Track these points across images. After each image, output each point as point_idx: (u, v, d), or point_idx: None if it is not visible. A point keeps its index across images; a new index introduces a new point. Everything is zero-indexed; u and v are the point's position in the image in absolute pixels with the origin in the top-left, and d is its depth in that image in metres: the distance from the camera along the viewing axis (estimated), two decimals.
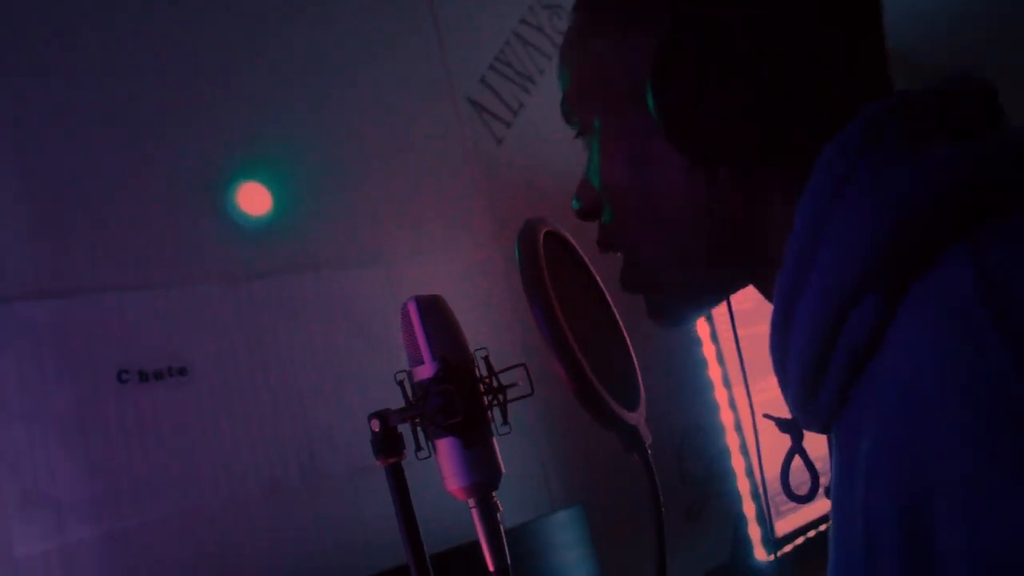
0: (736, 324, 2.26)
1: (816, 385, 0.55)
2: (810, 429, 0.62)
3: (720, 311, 2.22)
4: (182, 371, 1.76)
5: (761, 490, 2.23)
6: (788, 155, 0.60)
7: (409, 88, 2.34)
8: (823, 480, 0.71)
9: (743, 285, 0.71)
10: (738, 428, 2.16)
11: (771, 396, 2.30)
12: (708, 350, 2.20)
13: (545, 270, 0.72)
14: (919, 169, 0.51)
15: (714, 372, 2.19)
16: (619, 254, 0.73)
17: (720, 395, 2.19)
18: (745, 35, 0.58)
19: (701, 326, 2.20)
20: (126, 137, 1.84)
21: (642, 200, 0.67)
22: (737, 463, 2.17)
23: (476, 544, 0.80)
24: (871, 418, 0.49)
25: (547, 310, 0.70)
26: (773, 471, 2.32)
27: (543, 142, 2.56)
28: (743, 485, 2.17)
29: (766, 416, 0.76)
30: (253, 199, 1.93)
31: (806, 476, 0.74)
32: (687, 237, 0.66)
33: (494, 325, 2.12)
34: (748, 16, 0.58)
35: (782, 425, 0.71)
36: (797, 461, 0.76)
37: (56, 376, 1.64)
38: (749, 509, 2.17)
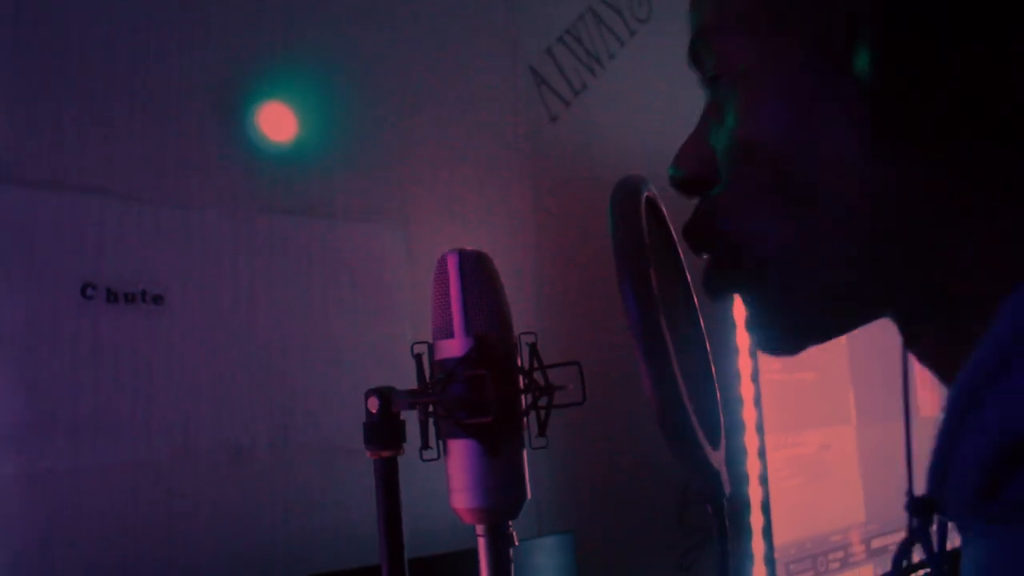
0: (778, 366, 2.04)
1: (1006, 476, 0.40)
2: (947, 516, 0.47)
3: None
4: (157, 299, 1.54)
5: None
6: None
7: (470, 42, 2.15)
8: None
9: (879, 317, 0.53)
10: (763, 481, 1.95)
11: (801, 452, 2.09)
12: (746, 389, 2.00)
13: (649, 245, 0.53)
14: None
15: (748, 415, 1.99)
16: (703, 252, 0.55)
17: (750, 441, 1.99)
18: None
19: (743, 360, 2.00)
20: (146, 22, 1.63)
21: (793, 171, 0.48)
22: (755, 520, 1.96)
23: (465, 554, 0.70)
24: None
25: (645, 302, 0.51)
26: (790, 536, 2.12)
27: (599, 130, 2.40)
28: (757, 546, 1.97)
29: (910, 499, 0.56)
30: (277, 123, 1.71)
31: None
32: (852, 232, 0.48)
33: (516, 313, 1.94)
34: None
35: (914, 504, 0.53)
36: None
37: (10, 275, 1.41)
38: (760, 574, 1.97)
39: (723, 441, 0.65)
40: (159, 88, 1.62)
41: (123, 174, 1.56)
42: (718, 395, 0.67)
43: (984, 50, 0.41)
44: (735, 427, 1.98)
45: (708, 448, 0.56)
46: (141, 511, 1.51)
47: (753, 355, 1.98)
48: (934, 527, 0.53)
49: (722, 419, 0.66)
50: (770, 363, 2.02)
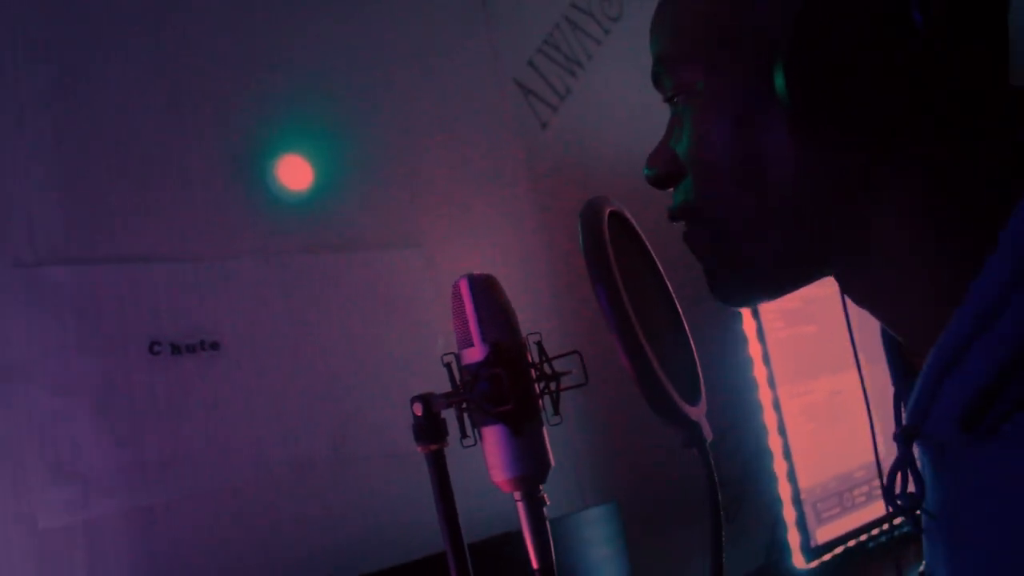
0: (781, 324, 2.16)
1: (986, 407, 0.53)
2: (922, 442, 0.62)
3: (768, 307, 2.14)
4: (214, 345, 1.72)
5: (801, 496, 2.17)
6: (916, 149, 0.57)
7: (455, 66, 2.30)
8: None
9: (822, 276, 0.68)
10: (781, 431, 2.10)
11: (813, 399, 2.23)
12: (754, 349, 2.14)
13: (610, 250, 0.68)
14: None
15: (759, 372, 2.13)
16: (686, 226, 0.70)
17: (764, 396, 2.13)
18: (905, 9, 0.53)
19: (747, 322, 2.14)
20: (167, 104, 1.81)
21: (740, 171, 0.63)
22: (779, 467, 2.11)
23: (514, 534, 0.77)
24: None
25: (612, 292, 0.66)
26: (816, 478, 2.25)
27: (589, 128, 2.52)
28: (784, 489, 2.11)
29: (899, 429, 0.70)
30: (294, 173, 1.89)
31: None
32: (785, 215, 0.62)
33: (534, 312, 2.07)
34: None
35: (900, 434, 0.66)
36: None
37: (85, 346, 1.60)
38: (790, 514, 2.11)
39: (703, 396, 0.79)
40: (188, 159, 1.81)
41: (167, 239, 1.74)
42: (696, 359, 0.82)
43: (874, 74, 0.54)
44: (747, 384, 2.11)
45: (684, 404, 0.71)
46: (228, 531, 1.70)
47: (756, 317, 2.11)
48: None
49: (701, 378, 0.81)
50: (773, 322, 2.15)
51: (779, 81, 0.56)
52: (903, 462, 0.64)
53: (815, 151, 0.59)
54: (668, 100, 0.69)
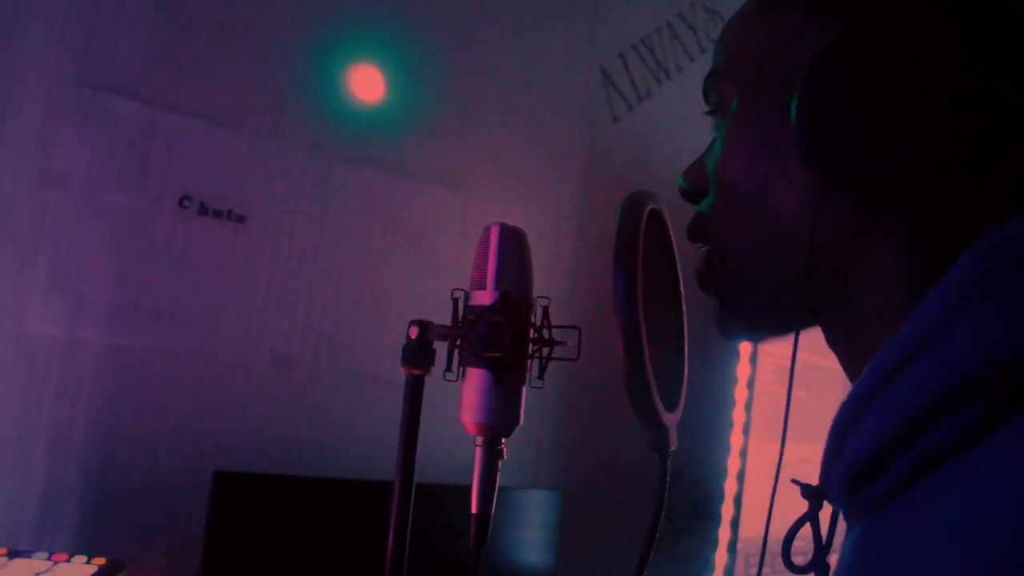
0: (774, 378, 2.16)
1: (875, 472, 0.51)
2: (833, 503, 0.59)
3: (766, 360, 2.14)
4: (240, 218, 1.75)
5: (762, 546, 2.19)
6: (916, 206, 0.56)
7: (550, 38, 2.31)
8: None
9: (813, 324, 0.66)
10: (740, 477, 2.12)
11: (772, 459, 2.23)
12: (740, 393, 2.16)
13: (641, 241, 0.69)
14: None
15: (738, 416, 2.15)
16: (703, 247, 0.69)
17: (735, 440, 2.15)
18: (925, 61, 0.53)
19: (742, 366, 2.15)
20: None
21: (750, 196, 0.63)
22: (726, 510, 2.13)
23: (463, 489, 0.79)
24: (955, 527, 0.45)
25: (629, 282, 0.67)
26: (758, 531, 2.26)
27: (656, 136, 2.53)
28: (724, 533, 2.13)
29: (793, 481, 0.71)
30: (365, 85, 1.92)
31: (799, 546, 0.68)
32: (781, 248, 0.62)
33: (546, 281, 2.08)
34: (943, 42, 0.53)
35: (807, 491, 0.66)
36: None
37: (124, 177, 1.64)
38: (721, 558, 2.14)
39: (681, 407, 0.81)
40: (273, 40, 1.84)
41: (230, 107, 1.78)
42: (685, 370, 0.84)
43: (885, 121, 0.54)
44: (723, 425, 2.13)
45: (662, 407, 0.73)
46: (197, 394, 1.74)
47: (752, 363, 2.13)
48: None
49: (684, 389, 0.82)
50: (767, 375, 2.17)
51: (792, 108, 0.57)
52: (804, 519, 0.64)
53: (821, 190, 0.58)
54: (710, 113, 0.69)
